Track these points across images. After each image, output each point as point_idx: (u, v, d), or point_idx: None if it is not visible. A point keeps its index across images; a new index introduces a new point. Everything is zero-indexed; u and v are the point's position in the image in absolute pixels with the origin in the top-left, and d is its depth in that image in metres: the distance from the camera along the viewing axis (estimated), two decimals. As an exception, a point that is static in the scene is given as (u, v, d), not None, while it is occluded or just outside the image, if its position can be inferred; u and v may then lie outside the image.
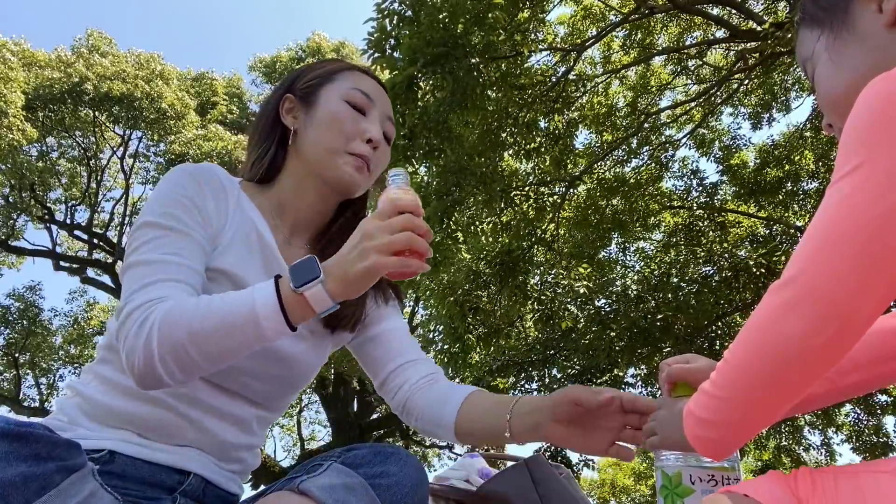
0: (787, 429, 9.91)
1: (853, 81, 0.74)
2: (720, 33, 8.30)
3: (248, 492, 1.08)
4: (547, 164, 7.96)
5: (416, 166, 6.18)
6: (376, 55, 5.51)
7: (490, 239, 7.53)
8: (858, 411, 9.34)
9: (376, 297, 1.18)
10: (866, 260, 0.57)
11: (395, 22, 5.49)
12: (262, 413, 1.06)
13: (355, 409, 12.40)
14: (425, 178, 6.60)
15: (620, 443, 0.96)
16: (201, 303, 0.84)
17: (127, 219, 13.20)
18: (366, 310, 1.17)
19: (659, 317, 7.06)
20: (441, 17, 5.48)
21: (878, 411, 9.16)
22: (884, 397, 8.95)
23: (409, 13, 5.50)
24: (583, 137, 9.26)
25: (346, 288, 0.84)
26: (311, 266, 0.84)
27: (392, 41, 5.51)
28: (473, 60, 5.68)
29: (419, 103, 5.68)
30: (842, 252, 0.58)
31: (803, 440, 10.24)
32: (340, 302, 0.87)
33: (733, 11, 7.62)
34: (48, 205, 12.79)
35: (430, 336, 8.32)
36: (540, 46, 7.48)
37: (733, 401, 0.65)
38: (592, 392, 0.92)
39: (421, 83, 5.64)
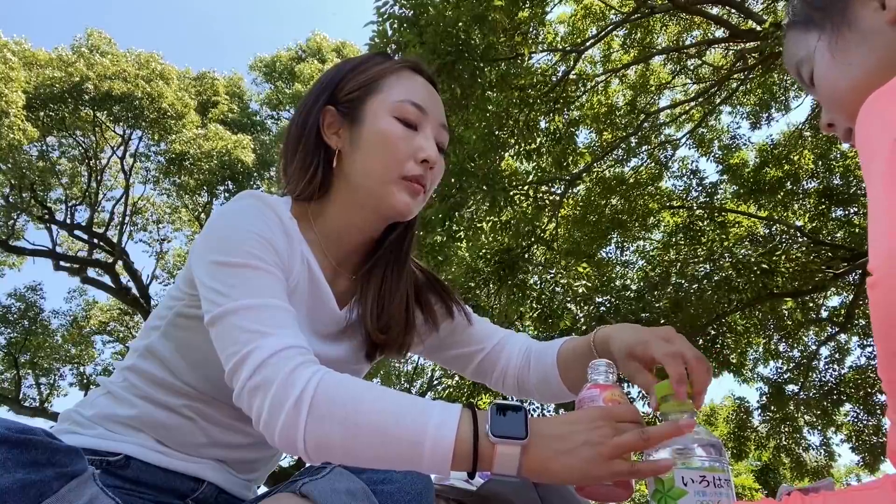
0: (787, 429, 9.90)
1: (859, 80, 0.74)
2: (720, 33, 8.29)
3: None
4: (549, 164, 7.95)
5: None
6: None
7: (489, 237, 7.53)
8: (858, 411, 9.34)
9: (426, 319, 1.09)
10: None
11: (395, 26, 5.48)
12: None
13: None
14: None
15: None
16: (367, 394, 0.72)
17: (127, 218, 13.21)
18: (439, 332, 1.12)
19: (659, 314, 7.06)
20: (445, 22, 5.45)
21: (878, 411, 9.16)
22: (884, 397, 8.94)
23: (410, 13, 5.49)
24: (583, 137, 9.27)
25: (539, 473, 0.70)
26: (517, 419, 0.70)
27: (394, 46, 5.50)
28: (475, 63, 5.68)
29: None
30: None
31: (803, 440, 10.23)
32: (385, 336, 0.85)
33: (733, 11, 7.62)
34: (48, 205, 12.78)
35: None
36: (540, 47, 7.48)
37: None
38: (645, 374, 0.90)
39: None
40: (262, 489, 1.05)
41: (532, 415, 0.71)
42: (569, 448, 0.69)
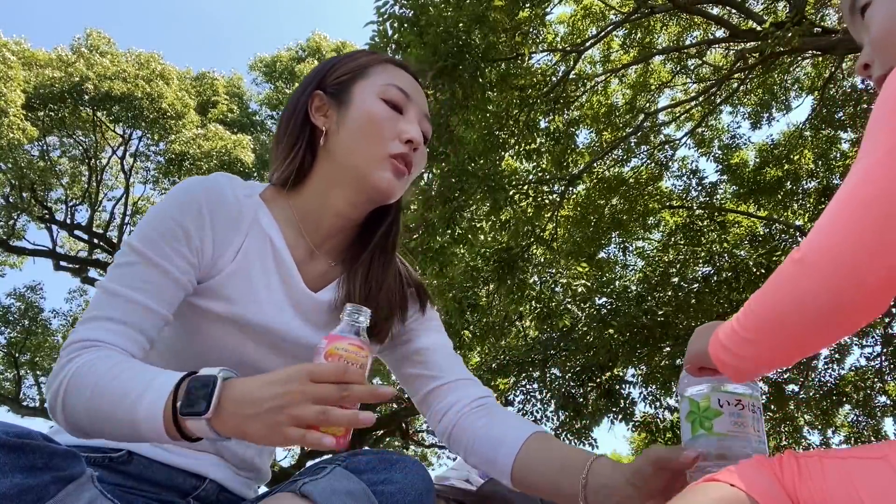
0: (786, 429, 9.91)
1: None
2: (720, 33, 8.29)
3: (251, 493, 1.08)
4: (548, 164, 7.96)
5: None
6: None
7: (489, 237, 7.54)
8: (857, 412, 9.34)
9: (401, 313, 1.09)
10: (885, 223, 0.59)
11: (395, 26, 5.48)
12: None
13: (355, 409, 12.38)
14: (427, 177, 6.60)
15: None
16: (107, 374, 0.80)
17: (128, 218, 13.21)
18: (405, 324, 1.10)
19: (659, 315, 7.07)
20: (446, 23, 5.45)
21: (878, 413, 9.16)
22: (883, 399, 8.96)
23: (410, 14, 5.49)
24: (582, 137, 9.27)
25: (235, 432, 0.75)
26: (204, 393, 0.74)
27: (394, 45, 5.50)
28: (475, 63, 5.68)
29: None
30: (861, 217, 0.61)
31: (803, 440, 10.23)
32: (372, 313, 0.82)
33: (733, 11, 7.62)
34: (48, 205, 12.78)
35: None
36: (540, 47, 7.48)
37: (753, 343, 0.70)
38: (672, 451, 0.81)
39: (428, 91, 5.63)
40: (262, 489, 1.05)
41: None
42: (255, 413, 0.72)
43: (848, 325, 0.64)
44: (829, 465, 0.67)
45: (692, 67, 9.22)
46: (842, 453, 0.68)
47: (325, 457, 0.83)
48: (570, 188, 8.12)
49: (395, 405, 12.81)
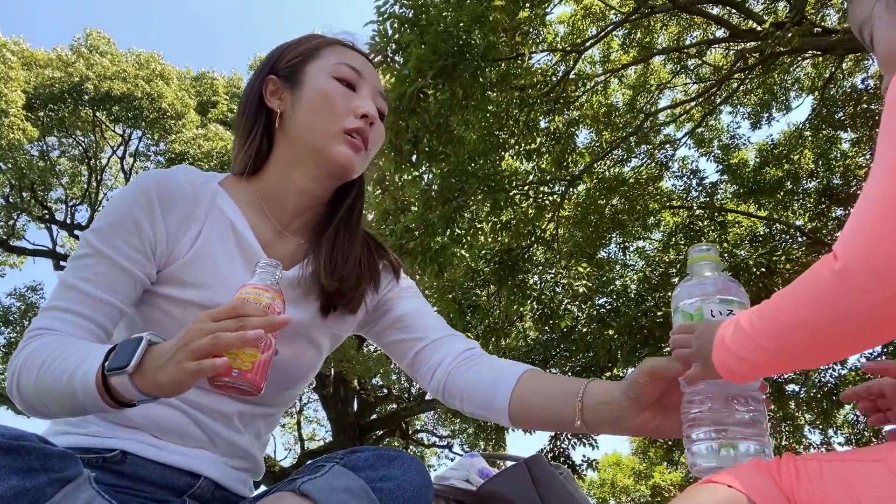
0: (787, 428, 9.91)
1: None
2: (720, 33, 8.29)
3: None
4: (549, 164, 7.96)
5: (419, 171, 6.16)
6: (377, 59, 5.50)
7: (489, 238, 7.54)
8: (858, 413, 9.34)
9: (375, 282, 1.12)
10: None
11: (395, 26, 5.47)
12: (267, 409, 1.05)
13: (355, 409, 12.40)
14: (426, 178, 6.60)
15: None
16: (51, 355, 0.84)
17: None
18: (378, 294, 1.13)
19: (659, 315, 7.07)
20: (446, 23, 5.44)
21: (878, 412, 9.15)
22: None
23: (410, 13, 5.49)
24: (582, 137, 9.27)
25: (154, 386, 0.76)
26: (129, 351, 0.77)
27: (394, 45, 5.49)
28: (475, 62, 5.67)
29: (422, 104, 5.67)
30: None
31: (803, 439, 10.23)
32: (339, 285, 0.86)
33: (733, 11, 7.62)
34: (48, 204, 12.79)
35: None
36: (540, 47, 7.48)
37: (768, 350, 0.68)
38: (667, 361, 0.82)
39: (428, 91, 5.61)
40: (261, 488, 1.04)
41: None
42: (165, 360, 0.75)
43: (884, 338, 0.62)
44: (828, 467, 0.67)
45: (692, 67, 9.22)
46: (840, 456, 0.68)
47: (324, 455, 0.83)
48: (571, 188, 8.12)
49: (395, 405, 12.82)
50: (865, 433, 9.43)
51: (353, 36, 1.13)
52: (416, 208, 6.07)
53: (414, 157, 5.84)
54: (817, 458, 0.69)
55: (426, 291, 8.14)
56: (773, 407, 9.34)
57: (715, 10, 7.68)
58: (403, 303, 1.14)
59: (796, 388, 9.26)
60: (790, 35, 5.23)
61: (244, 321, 0.76)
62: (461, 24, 5.55)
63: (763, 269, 6.82)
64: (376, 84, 1.08)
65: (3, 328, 12.96)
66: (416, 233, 5.84)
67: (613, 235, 9.07)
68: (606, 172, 8.76)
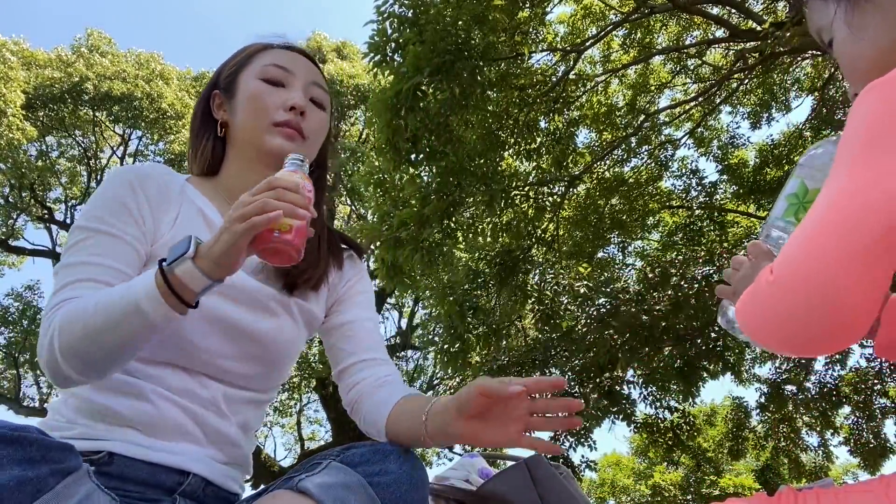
0: (785, 430, 9.91)
1: (878, 55, 0.73)
2: (720, 33, 8.29)
3: (248, 491, 1.07)
4: (549, 164, 7.95)
5: (418, 170, 6.15)
6: (377, 58, 5.50)
7: (490, 238, 7.54)
8: (857, 413, 9.33)
9: (337, 263, 1.18)
10: (864, 246, 0.59)
11: (395, 25, 5.47)
12: (253, 395, 1.06)
13: (355, 409, 12.39)
14: (425, 177, 6.60)
15: (533, 433, 0.91)
16: (98, 297, 0.86)
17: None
18: (343, 280, 1.18)
19: (659, 315, 7.06)
20: (444, 22, 5.44)
21: (878, 415, 9.15)
22: (883, 400, 8.95)
23: (410, 13, 5.49)
24: (582, 137, 9.27)
25: (214, 263, 0.83)
26: (185, 244, 0.84)
27: (393, 45, 5.49)
28: (474, 62, 5.67)
29: (420, 104, 5.67)
30: (840, 239, 0.60)
31: (801, 441, 10.24)
32: (296, 265, 0.88)
33: (733, 11, 7.62)
34: (48, 204, 12.80)
35: (430, 336, 8.31)
36: (540, 47, 7.48)
37: (761, 331, 0.71)
38: (500, 382, 0.86)
39: (426, 89, 5.60)
40: (250, 492, 1.04)
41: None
42: (219, 234, 0.83)
43: (834, 343, 0.64)
44: (824, 498, 0.69)
45: (692, 67, 9.22)
46: (840, 490, 0.70)
47: (320, 452, 0.84)
48: (571, 189, 8.12)
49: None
50: (865, 435, 9.42)
51: (283, 37, 1.20)
52: (413, 203, 6.06)
53: (413, 157, 5.84)
54: (816, 492, 0.72)
55: (426, 293, 8.14)
56: (771, 408, 9.35)
57: (715, 10, 7.68)
58: (355, 309, 1.19)
59: (794, 390, 9.26)
60: (790, 35, 5.23)
61: (281, 191, 0.84)
62: (460, 24, 5.55)
63: (763, 270, 6.81)
64: (311, 77, 1.14)
65: (2, 328, 12.97)
66: (411, 226, 5.83)
67: (613, 235, 9.07)
68: (606, 172, 8.76)
